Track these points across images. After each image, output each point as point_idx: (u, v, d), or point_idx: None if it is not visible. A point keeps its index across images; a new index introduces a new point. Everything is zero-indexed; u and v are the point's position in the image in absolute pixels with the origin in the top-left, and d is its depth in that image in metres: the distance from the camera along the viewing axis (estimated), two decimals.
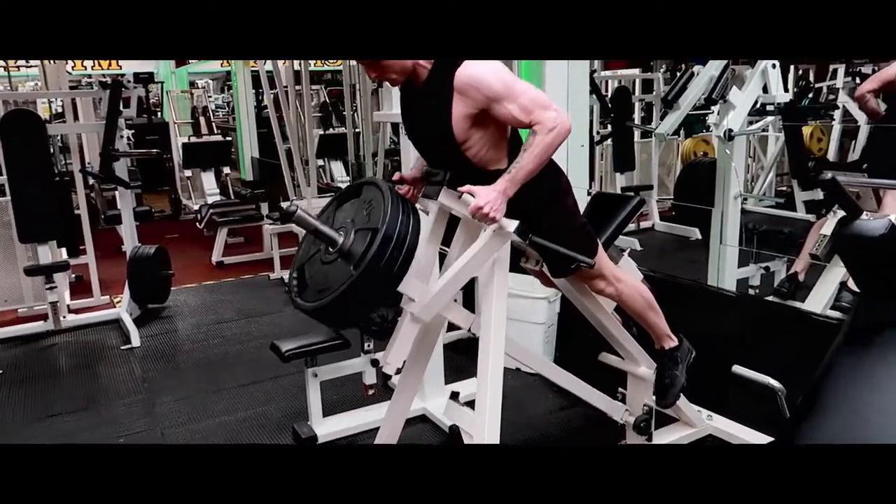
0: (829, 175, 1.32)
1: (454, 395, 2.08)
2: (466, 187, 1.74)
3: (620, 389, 2.59)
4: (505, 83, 1.73)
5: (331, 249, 1.74)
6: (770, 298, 3.39)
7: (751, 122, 6.28)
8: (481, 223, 1.79)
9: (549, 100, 1.77)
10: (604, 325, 2.33)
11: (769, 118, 5.98)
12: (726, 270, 3.81)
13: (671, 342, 2.34)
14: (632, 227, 6.35)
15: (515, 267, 2.20)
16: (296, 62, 6.32)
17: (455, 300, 2.05)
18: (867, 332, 1.42)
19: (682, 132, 7.05)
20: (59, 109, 9.25)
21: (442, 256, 2.18)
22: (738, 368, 1.64)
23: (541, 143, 1.73)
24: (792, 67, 7.50)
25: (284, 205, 1.66)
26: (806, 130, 6.44)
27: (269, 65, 6.07)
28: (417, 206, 2.07)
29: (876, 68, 6.95)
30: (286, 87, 6.00)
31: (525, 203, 1.93)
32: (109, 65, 12.15)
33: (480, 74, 1.72)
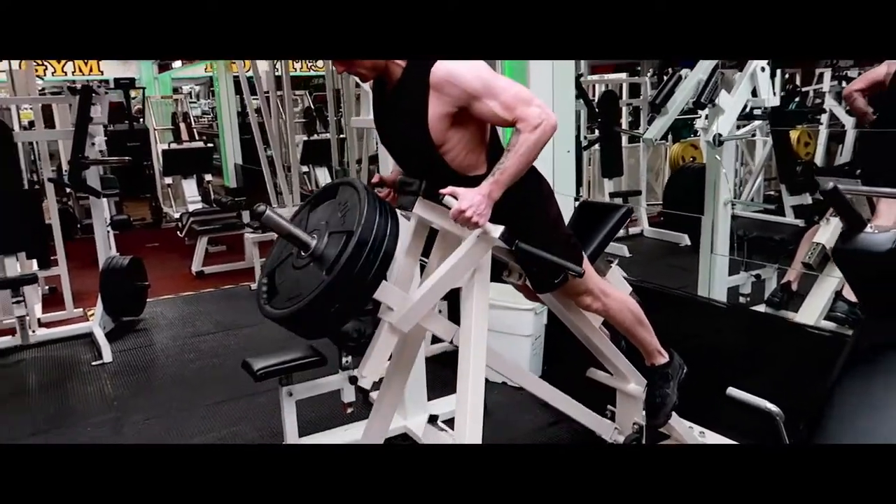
0: (830, 184, 1.22)
1: (433, 419, 1.96)
2: (449, 189, 1.63)
3: (610, 407, 2.48)
4: (484, 80, 1.62)
5: (303, 254, 1.62)
6: (762, 309, 3.30)
7: (738, 127, 6.25)
8: (464, 228, 1.68)
9: (532, 95, 1.65)
10: (591, 341, 2.23)
11: (756, 122, 5.95)
12: (716, 279, 3.73)
13: (662, 358, 2.23)
14: (621, 232, 6.27)
15: (499, 278, 2.10)
16: (277, 67, 6.20)
17: (439, 311, 1.93)
18: (872, 354, 1.32)
19: (669, 137, 6.99)
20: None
21: (422, 268, 2.07)
22: (732, 391, 1.54)
23: (526, 143, 1.61)
24: (779, 71, 7.45)
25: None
26: (793, 135, 6.40)
27: (250, 70, 5.94)
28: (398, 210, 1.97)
29: (861, 72, 6.95)
30: (267, 92, 5.87)
31: (503, 213, 1.82)
32: (91, 70, 11.98)
33: (458, 70, 1.61)
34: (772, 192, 6.94)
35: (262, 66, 6.02)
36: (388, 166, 2.38)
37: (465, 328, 1.80)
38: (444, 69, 1.61)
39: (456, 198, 1.62)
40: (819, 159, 6.52)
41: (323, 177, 7.78)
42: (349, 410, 2.77)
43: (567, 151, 3.37)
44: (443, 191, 1.64)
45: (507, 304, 3.20)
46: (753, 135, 6.32)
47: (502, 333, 3.25)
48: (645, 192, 6.55)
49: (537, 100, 1.64)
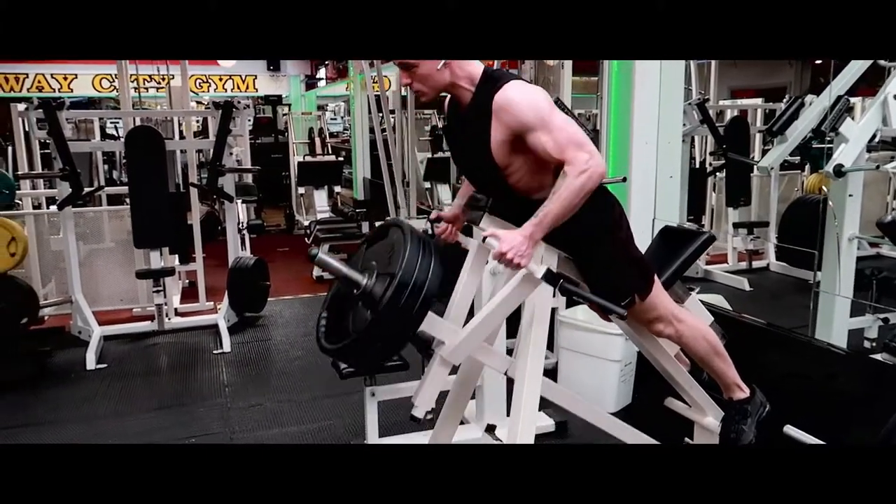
0: (888, 217, 1.15)
1: (490, 428, 2.01)
2: (490, 231, 1.69)
3: (686, 440, 2.40)
4: (539, 114, 1.67)
5: (355, 291, 1.74)
6: (879, 356, 3.03)
7: (893, 157, 5.74)
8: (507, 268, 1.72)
9: (586, 140, 1.68)
10: (665, 368, 2.18)
11: None
12: (835, 320, 3.45)
13: (741, 393, 2.14)
14: (742, 265, 5.94)
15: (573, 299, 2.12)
16: (404, 88, 6.51)
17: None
18: None
19: (807, 167, 6.54)
20: (199, 128, 10.09)
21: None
22: (790, 429, 1.46)
23: (570, 187, 1.64)
24: None
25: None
26: None
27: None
28: (462, 240, 2.05)
29: None
30: (393, 111, 6.18)
31: (573, 234, 1.85)
32: (247, 87, 13.10)
33: (516, 99, 1.67)
34: None
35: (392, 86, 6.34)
36: None
37: (521, 365, 1.85)
38: (504, 96, 1.67)
39: (498, 239, 1.66)
40: None
41: (444, 193, 8.03)
42: (429, 417, 2.86)
43: (670, 177, 3.30)
44: (485, 233, 1.70)
45: (597, 328, 3.17)
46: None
47: (589, 356, 3.23)
48: (774, 223, 6.16)
49: (590, 146, 1.67)
